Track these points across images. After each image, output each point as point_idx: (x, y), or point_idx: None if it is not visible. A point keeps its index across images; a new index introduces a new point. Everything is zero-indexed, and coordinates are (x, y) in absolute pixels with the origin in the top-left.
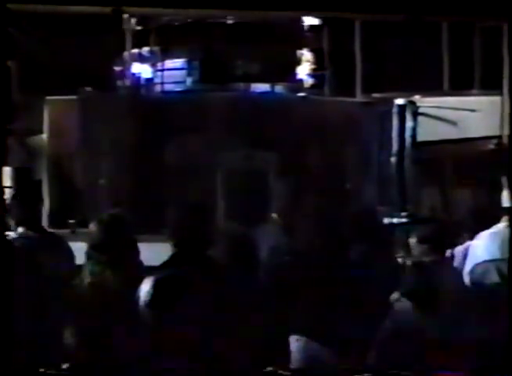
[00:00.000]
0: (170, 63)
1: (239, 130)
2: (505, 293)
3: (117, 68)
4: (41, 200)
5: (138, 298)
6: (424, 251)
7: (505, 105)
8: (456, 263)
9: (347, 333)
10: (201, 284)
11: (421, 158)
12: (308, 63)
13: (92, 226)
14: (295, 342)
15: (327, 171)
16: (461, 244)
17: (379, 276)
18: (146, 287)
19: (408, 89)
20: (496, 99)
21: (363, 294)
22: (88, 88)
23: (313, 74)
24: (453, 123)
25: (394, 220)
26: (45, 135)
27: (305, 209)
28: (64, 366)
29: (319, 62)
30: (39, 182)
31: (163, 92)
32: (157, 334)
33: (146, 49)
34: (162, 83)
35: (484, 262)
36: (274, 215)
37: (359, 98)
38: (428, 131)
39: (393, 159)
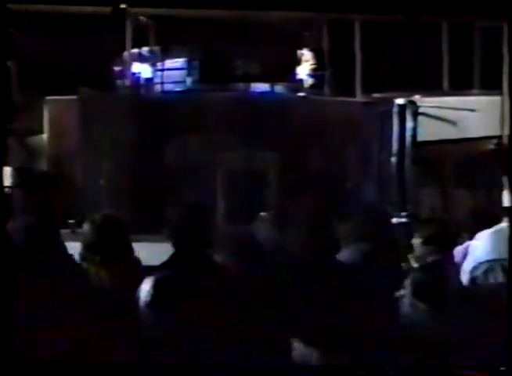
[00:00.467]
0: (170, 63)
1: (239, 130)
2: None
3: (117, 68)
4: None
5: (138, 298)
6: (429, 251)
7: (505, 105)
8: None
9: (342, 333)
10: (201, 284)
11: (421, 158)
12: (308, 63)
13: (85, 227)
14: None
15: (327, 171)
16: (461, 243)
17: (382, 276)
18: (146, 288)
19: (408, 89)
20: (496, 98)
21: (362, 294)
22: (88, 88)
23: (313, 74)
24: (453, 123)
25: (394, 220)
26: (45, 135)
27: (294, 208)
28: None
29: (319, 62)
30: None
31: (163, 91)
32: (158, 334)
33: (145, 49)
34: (162, 83)
35: (486, 261)
36: (263, 214)
37: (359, 98)
38: (428, 131)
39: (393, 159)
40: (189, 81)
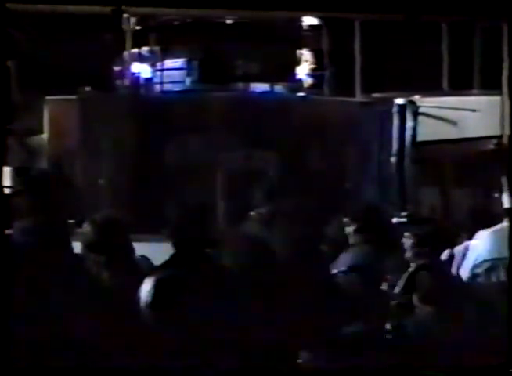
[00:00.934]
0: (169, 63)
1: (238, 130)
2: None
3: (117, 68)
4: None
5: (139, 298)
6: (422, 253)
7: (505, 105)
8: (455, 263)
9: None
10: (202, 284)
11: (421, 158)
12: (308, 63)
13: (85, 227)
14: None
15: (327, 171)
16: (460, 243)
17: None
18: (146, 288)
19: (408, 89)
20: (496, 98)
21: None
22: (88, 88)
23: (313, 73)
24: (453, 123)
25: (394, 220)
26: (44, 135)
27: (283, 208)
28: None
29: (318, 62)
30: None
31: (162, 91)
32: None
33: (145, 49)
34: (161, 83)
35: (487, 260)
36: (253, 213)
37: (359, 98)
38: (428, 131)
39: (393, 159)
40: (188, 81)
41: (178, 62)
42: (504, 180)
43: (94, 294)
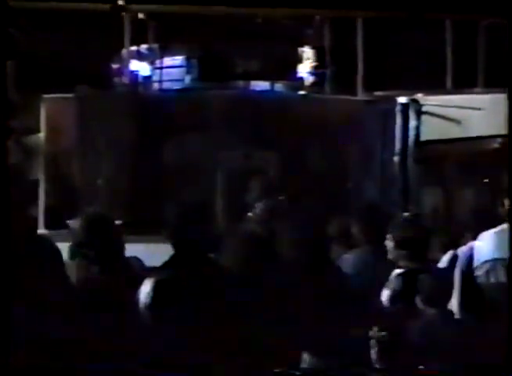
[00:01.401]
0: (168, 61)
1: (238, 129)
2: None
3: (115, 66)
4: None
5: (138, 299)
6: (403, 256)
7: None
8: (459, 264)
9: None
10: (201, 285)
11: (424, 157)
12: (309, 61)
13: (74, 224)
14: None
15: (328, 170)
16: (464, 244)
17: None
18: (145, 289)
19: (411, 87)
20: (500, 97)
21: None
22: (86, 86)
23: (314, 71)
24: (457, 121)
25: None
26: (42, 134)
27: (279, 208)
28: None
29: (320, 60)
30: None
31: (161, 89)
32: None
33: (144, 47)
34: (160, 81)
35: (489, 260)
36: (249, 214)
37: (361, 96)
38: (431, 129)
39: (396, 158)
40: (187, 79)
41: (178, 60)
42: (505, 180)
43: (82, 291)
